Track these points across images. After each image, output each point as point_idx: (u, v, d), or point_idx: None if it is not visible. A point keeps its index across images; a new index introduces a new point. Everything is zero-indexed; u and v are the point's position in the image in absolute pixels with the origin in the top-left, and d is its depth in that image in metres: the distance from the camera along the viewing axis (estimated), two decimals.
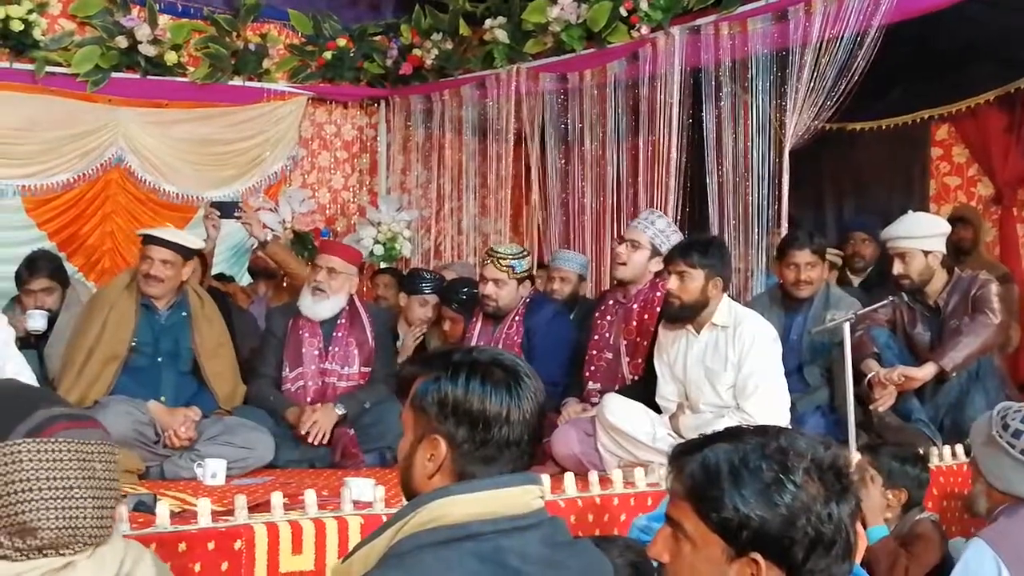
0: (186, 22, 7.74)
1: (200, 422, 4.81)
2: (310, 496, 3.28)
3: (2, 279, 6.12)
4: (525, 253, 5.32)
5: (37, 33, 7.07)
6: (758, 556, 1.57)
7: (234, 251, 7.69)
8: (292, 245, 7.63)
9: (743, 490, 1.57)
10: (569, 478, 3.78)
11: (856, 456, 3.83)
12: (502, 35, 7.35)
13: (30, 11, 6.98)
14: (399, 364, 5.71)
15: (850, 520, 1.60)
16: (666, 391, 4.46)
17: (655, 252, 4.84)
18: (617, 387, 4.78)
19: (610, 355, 4.94)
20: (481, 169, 7.91)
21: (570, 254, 6.30)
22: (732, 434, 1.69)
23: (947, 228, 5.14)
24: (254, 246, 6.50)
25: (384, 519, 3.18)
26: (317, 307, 5.28)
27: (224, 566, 2.91)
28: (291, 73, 8.20)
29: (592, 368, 4.96)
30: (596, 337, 5.01)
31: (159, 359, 4.94)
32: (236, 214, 6.14)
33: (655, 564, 1.74)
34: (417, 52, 8.07)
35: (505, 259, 5.16)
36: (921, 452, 4.05)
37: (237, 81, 7.90)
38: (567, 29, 6.85)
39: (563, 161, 7.25)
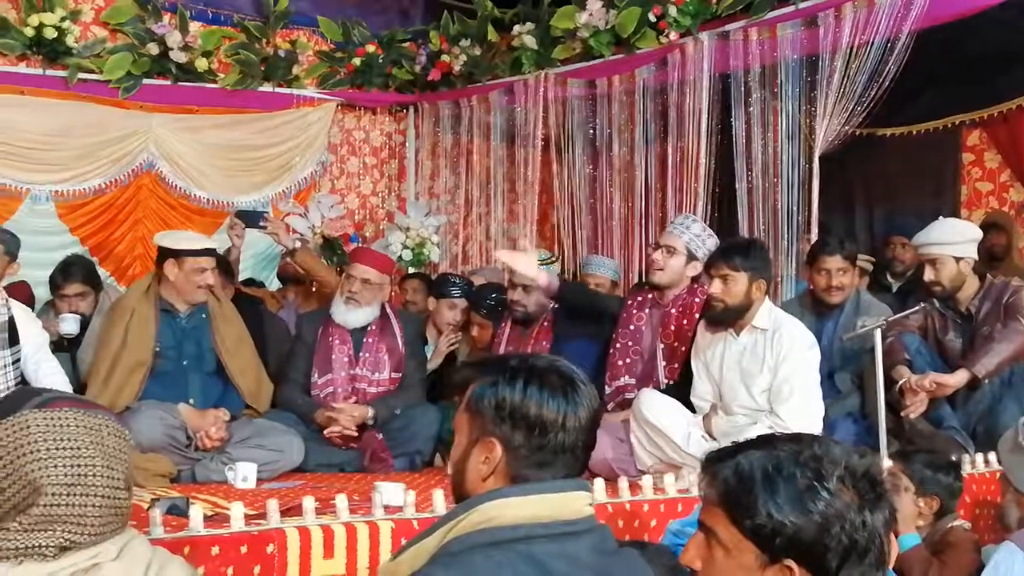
0: (217, 29, 7.80)
1: (229, 423, 4.85)
2: (341, 500, 3.29)
3: (37, 284, 6.16)
4: (553, 259, 5.33)
5: (70, 40, 7.13)
6: (792, 563, 1.56)
7: (261, 258, 7.73)
8: (321, 250, 7.65)
9: (777, 497, 1.57)
10: (599, 484, 3.77)
11: (887, 463, 3.81)
12: (530, 41, 7.36)
13: (63, 19, 7.06)
14: (430, 369, 5.73)
15: (884, 529, 1.60)
16: (701, 390, 4.45)
17: (691, 257, 4.82)
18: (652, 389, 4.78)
19: (643, 351, 4.92)
20: (509, 175, 7.92)
21: (603, 259, 6.30)
22: (766, 441, 1.69)
23: (979, 234, 5.11)
24: (282, 252, 6.53)
25: (415, 524, 3.23)
26: (350, 316, 5.31)
27: (256, 570, 2.93)
28: (320, 79, 8.24)
29: (627, 360, 4.93)
30: (632, 327, 4.95)
31: (184, 362, 4.98)
32: (261, 224, 6.18)
33: (688, 571, 1.74)
34: (445, 58, 8.09)
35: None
36: (953, 459, 4.03)
37: (267, 87, 7.95)
38: (596, 35, 6.85)
39: (591, 167, 7.25)
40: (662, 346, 4.87)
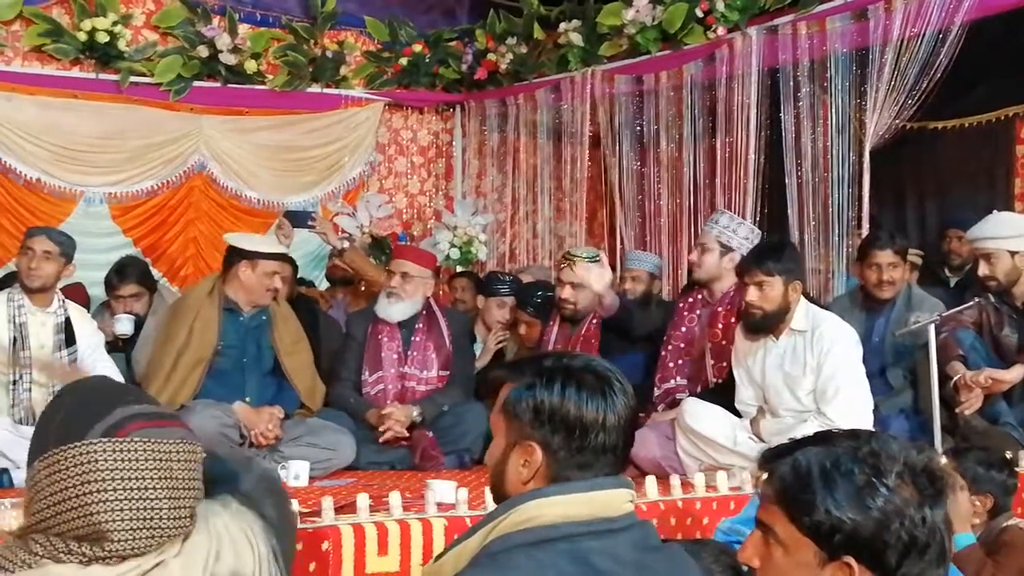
0: (265, 31, 7.86)
1: (283, 422, 4.91)
2: (395, 498, 3.32)
3: (91, 285, 6.25)
4: (599, 257, 5.32)
5: (122, 44, 7.21)
6: (851, 560, 1.55)
7: (310, 258, 7.77)
8: (370, 249, 7.70)
9: (835, 493, 1.56)
10: (651, 482, 3.77)
11: (941, 461, 3.76)
12: (577, 38, 7.35)
13: (115, 23, 7.14)
14: (479, 367, 5.75)
15: (944, 524, 1.58)
16: (745, 395, 4.43)
17: (726, 248, 4.84)
18: (700, 388, 4.77)
19: (693, 353, 4.92)
20: (556, 172, 7.92)
21: (641, 254, 6.29)
22: (823, 438, 1.68)
23: None
24: (331, 252, 6.58)
25: (468, 521, 3.24)
26: (391, 309, 5.34)
27: (312, 567, 2.96)
28: (368, 79, 8.28)
29: (679, 362, 4.92)
30: (683, 329, 4.96)
31: (244, 360, 5.05)
32: (309, 223, 6.23)
33: (745, 569, 1.73)
34: (492, 57, 8.09)
35: (583, 262, 5.15)
36: (1008, 456, 3.97)
37: (315, 88, 7.99)
38: (642, 31, 6.83)
39: (638, 163, 7.23)
40: (710, 345, 4.86)
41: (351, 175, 8.19)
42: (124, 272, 5.84)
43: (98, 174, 7.26)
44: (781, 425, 4.17)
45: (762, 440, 4.21)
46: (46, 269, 4.78)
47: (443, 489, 3.57)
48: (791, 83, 6.14)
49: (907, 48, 5.47)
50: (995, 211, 5.20)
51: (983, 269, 4.89)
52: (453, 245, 7.86)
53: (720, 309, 4.86)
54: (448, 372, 5.41)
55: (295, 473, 4.41)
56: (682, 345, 4.95)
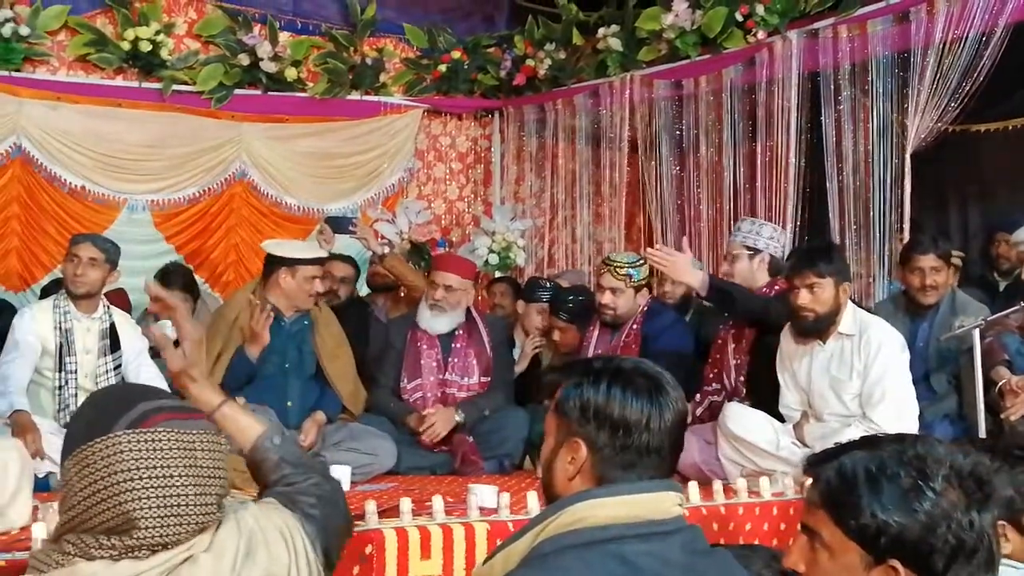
0: (305, 39, 7.91)
1: (324, 427, 4.94)
2: (438, 502, 3.33)
3: (135, 291, 6.31)
4: (642, 261, 5.30)
5: (164, 53, 7.30)
6: (897, 563, 1.54)
7: None
8: (409, 255, 7.73)
9: (881, 496, 1.56)
10: (693, 487, 3.77)
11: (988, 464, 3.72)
12: (615, 43, 7.34)
13: (157, 32, 7.23)
14: (517, 372, 5.76)
15: (992, 528, 1.57)
16: (789, 400, 4.41)
17: (753, 251, 4.85)
18: (727, 386, 4.76)
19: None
20: (594, 177, 7.91)
21: None
22: (869, 442, 1.67)
23: None
24: (371, 258, 6.61)
25: (510, 526, 3.25)
26: (435, 322, 5.36)
27: (356, 570, 2.97)
28: (407, 86, 8.32)
29: (716, 371, 4.92)
30: (720, 341, 4.97)
31: (286, 366, 5.08)
32: (350, 229, 6.26)
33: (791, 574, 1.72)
34: (530, 62, 8.10)
35: (622, 268, 5.15)
36: None
37: (355, 95, 8.04)
38: (681, 36, 6.82)
39: (678, 168, 7.21)
40: (732, 345, 4.86)
41: (390, 182, 8.23)
42: (169, 279, 5.90)
43: (141, 182, 7.34)
44: (825, 429, 4.14)
45: (805, 445, 4.18)
46: (91, 275, 4.83)
47: (485, 493, 3.58)
48: (832, 87, 6.11)
49: (950, 50, 5.43)
50: None
51: None
52: (492, 251, 7.88)
53: None
54: (489, 378, 5.42)
55: (337, 478, 4.43)
56: (718, 356, 4.95)
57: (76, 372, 4.80)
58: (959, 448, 1.64)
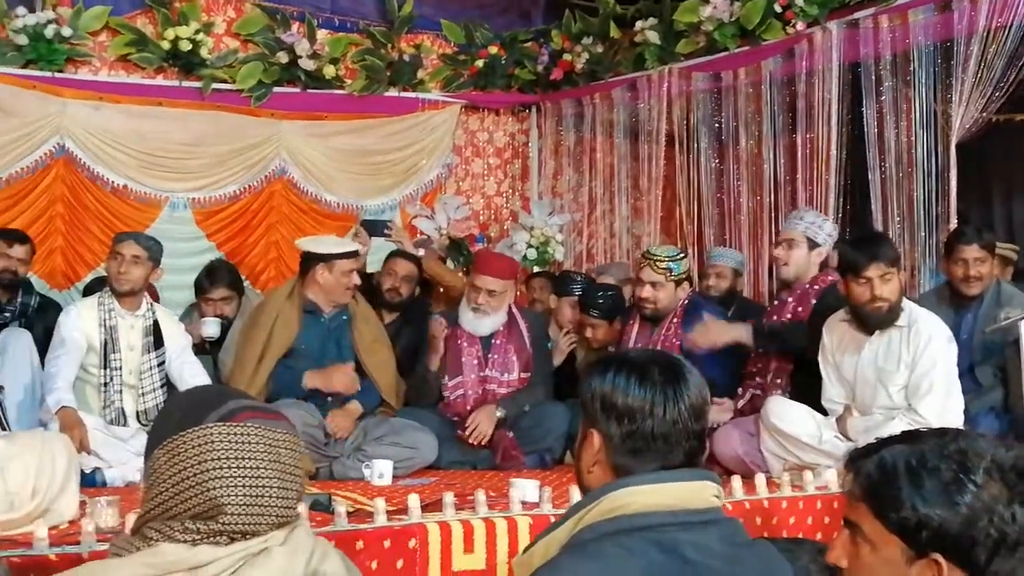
0: (343, 36, 7.93)
1: (365, 420, 4.97)
2: (480, 496, 3.34)
3: (177, 288, 6.38)
4: (682, 255, 5.29)
5: (204, 52, 7.34)
6: (939, 557, 1.53)
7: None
8: (448, 251, 7.76)
9: (922, 490, 1.55)
10: (736, 481, 3.76)
11: None
12: (653, 36, 7.31)
13: (197, 31, 7.28)
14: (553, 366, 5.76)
15: None
16: (832, 393, 4.38)
17: (812, 244, 4.81)
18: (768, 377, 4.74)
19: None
20: (632, 171, 7.87)
21: (726, 250, 6.26)
22: (910, 435, 1.66)
23: None
24: None
25: (552, 519, 3.25)
26: (479, 325, 5.38)
27: (399, 564, 2.99)
28: (444, 82, 8.33)
29: (759, 366, 4.89)
30: None
31: (326, 361, 5.12)
32: (385, 231, 6.29)
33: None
34: (567, 57, 8.09)
35: (662, 261, 5.13)
36: None
37: (393, 92, 8.05)
38: (720, 28, 6.78)
39: (717, 161, 7.17)
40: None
41: (428, 178, 8.24)
42: (215, 276, 5.95)
43: (182, 180, 7.38)
44: (869, 423, 4.11)
45: (848, 438, 4.16)
46: (135, 273, 4.89)
47: (527, 487, 3.59)
48: (873, 77, 6.04)
49: (994, 39, 5.35)
50: None
51: None
52: (530, 245, 7.87)
53: (789, 299, 4.84)
54: (528, 374, 5.43)
55: (379, 472, 4.47)
56: (762, 350, 4.93)
57: (120, 369, 4.86)
58: (1001, 442, 1.63)
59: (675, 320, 5.14)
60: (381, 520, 3.10)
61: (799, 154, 6.44)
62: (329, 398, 5.03)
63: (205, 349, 5.54)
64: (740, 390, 4.87)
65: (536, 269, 7.70)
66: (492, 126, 8.65)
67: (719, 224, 7.08)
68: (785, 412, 4.33)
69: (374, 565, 2.95)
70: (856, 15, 6.09)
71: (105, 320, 4.87)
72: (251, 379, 4.93)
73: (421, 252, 6.36)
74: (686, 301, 5.20)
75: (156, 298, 5.90)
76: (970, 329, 4.86)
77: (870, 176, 6.03)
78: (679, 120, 7.24)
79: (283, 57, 7.55)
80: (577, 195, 8.29)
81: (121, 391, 4.86)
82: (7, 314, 5.51)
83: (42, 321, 5.49)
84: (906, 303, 4.25)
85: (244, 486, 1.70)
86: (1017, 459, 1.58)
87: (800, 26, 6.33)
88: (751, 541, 1.82)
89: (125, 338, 4.91)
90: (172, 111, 7.36)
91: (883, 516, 1.58)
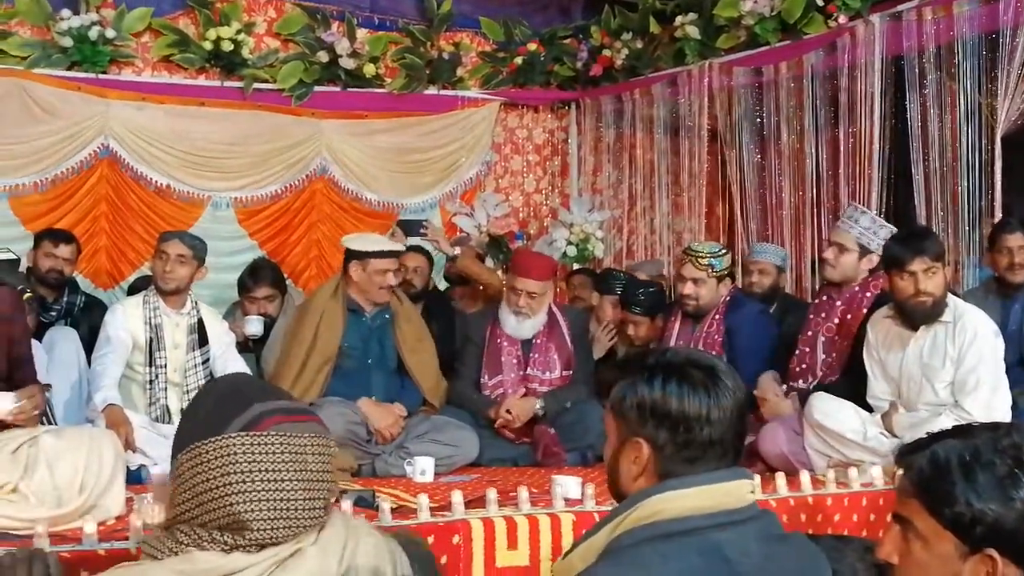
0: (383, 35, 7.96)
1: (406, 419, 4.99)
2: (523, 493, 3.34)
3: (219, 287, 6.42)
4: (724, 251, 5.26)
5: (245, 52, 7.41)
6: (994, 552, 1.52)
7: None
8: (488, 248, 7.76)
9: (976, 484, 1.54)
10: (780, 478, 3.73)
11: None
12: (693, 31, 7.28)
13: (238, 31, 7.34)
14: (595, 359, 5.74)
15: None
16: (878, 390, 4.33)
17: (864, 251, 4.69)
18: (813, 381, 4.69)
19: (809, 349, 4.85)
20: (673, 167, 7.84)
21: (768, 246, 6.20)
22: (962, 430, 1.65)
23: None
24: (446, 258, 6.67)
25: (595, 516, 3.25)
26: (521, 328, 5.38)
27: (443, 560, 3.00)
28: (483, 80, 8.33)
29: (804, 366, 4.85)
30: (809, 333, 4.89)
31: (368, 360, 5.14)
32: (421, 231, 6.30)
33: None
34: (607, 53, 8.07)
35: (704, 258, 5.11)
36: None
37: (432, 90, 8.08)
38: (761, 22, 6.74)
39: (759, 156, 7.12)
40: (823, 338, 4.78)
41: (468, 175, 8.25)
42: (258, 274, 5.99)
43: (225, 179, 7.45)
44: (915, 419, 4.07)
45: (894, 435, 4.12)
46: (180, 272, 4.93)
47: (569, 484, 3.58)
48: (916, 70, 5.98)
49: None
50: None
51: None
52: (570, 242, 7.87)
53: (839, 303, 4.77)
54: (570, 372, 5.42)
55: (421, 469, 4.48)
56: (807, 349, 4.87)
57: (166, 367, 4.90)
58: None
59: (717, 317, 5.12)
60: (424, 516, 3.11)
61: (841, 149, 6.37)
62: (372, 397, 5.04)
63: (248, 347, 5.58)
64: (784, 387, 4.83)
65: (576, 266, 7.69)
66: (531, 123, 8.65)
67: (761, 220, 7.03)
68: (830, 408, 4.29)
69: None
70: (899, 7, 6.03)
71: (150, 318, 4.91)
72: (294, 381, 4.95)
73: (457, 251, 6.36)
74: (728, 298, 5.17)
75: None
76: (1019, 320, 4.81)
77: (913, 171, 5.96)
78: (720, 115, 7.20)
79: (323, 56, 7.59)
80: (617, 192, 8.27)
81: (166, 389, 4.90)
82: (53, 313, 5.57)
83: (88, 320, 5.54)
84: (951, 298, 4.20)
85: (268, 500, 1.68)
86: None
87: (842, 19, 6.28)
88: (786, 535, 1.81)
89: (170, 336, 4.95)
90: (214, 111, 7.44)
91: (936, 511, 1.57)
